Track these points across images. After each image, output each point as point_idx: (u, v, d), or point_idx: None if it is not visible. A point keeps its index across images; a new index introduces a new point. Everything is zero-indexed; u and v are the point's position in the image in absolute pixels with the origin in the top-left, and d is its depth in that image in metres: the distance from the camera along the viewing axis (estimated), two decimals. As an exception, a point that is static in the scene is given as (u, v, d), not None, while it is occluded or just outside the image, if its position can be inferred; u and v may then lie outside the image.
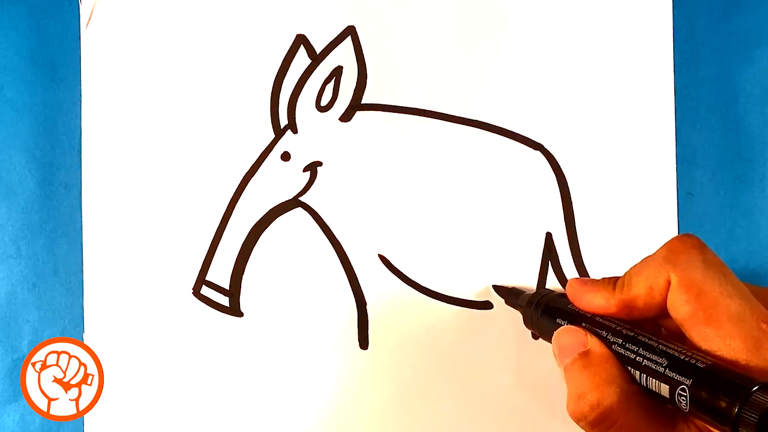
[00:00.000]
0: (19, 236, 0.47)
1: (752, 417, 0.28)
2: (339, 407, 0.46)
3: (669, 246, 0.34)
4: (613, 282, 0.36)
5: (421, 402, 0.46)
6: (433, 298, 0.47)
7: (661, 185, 0.47)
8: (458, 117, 0.47)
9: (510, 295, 0.45)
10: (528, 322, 0.42)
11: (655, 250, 0.35)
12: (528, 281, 0.47)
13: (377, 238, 0.47)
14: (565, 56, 0.47)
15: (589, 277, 0.46)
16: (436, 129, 0.47)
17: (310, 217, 0.47)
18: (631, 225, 0.46)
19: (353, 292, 0.47)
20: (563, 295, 0.40)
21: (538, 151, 0.47)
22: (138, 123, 0.47)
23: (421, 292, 0.47)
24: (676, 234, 0.46)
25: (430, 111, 0.47)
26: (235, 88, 0.47)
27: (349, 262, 0.47)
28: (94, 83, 0.47)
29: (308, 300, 0.47)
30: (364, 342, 0.47)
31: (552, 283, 0.47)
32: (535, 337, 0.44)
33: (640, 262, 0.35)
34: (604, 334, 0.35)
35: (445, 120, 0.47)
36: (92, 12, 0.47)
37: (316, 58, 0.47)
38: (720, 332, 0.31)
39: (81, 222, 0.47)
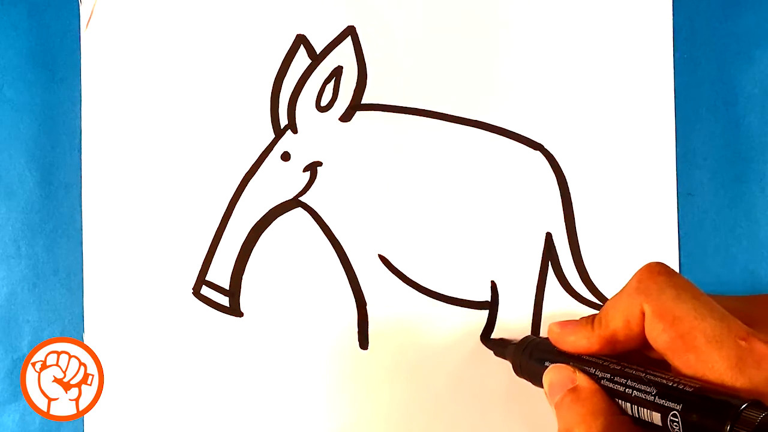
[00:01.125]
0: (19, 236, 0.47)
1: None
2: (339, 407, 0.46)
3: (638, 277, 0.34)
4: (591, 320, 0.36)
5: (421, 402, 0.46)
6: (433, 298, 0.47)
7: (661, 185, 0.47)
8: (458, 117, 0.47)
9: (498, 345, 0.45)
10: (518, 371, 0.42)
11: (627, 283, 0.35)
12: (528, 281, 0.47)
13: (377, 238, 0.47)
14: (565, 56, 0.47)
15: (589, 276, 0.46)
16: (436, 129, 0.47)
17: (310, 217, 0.47)
18: (631, 225, 0.46)
19: (353, 292, 0.47)
20: (545, 341, 0.40)
21: (538, 152, 0.47)
22: (138, 123, 0.47)
23: (421, 292, 0.47)
24: (676, 236, 0.46)
25: (430, 111, 0.47)
26: (235, 88, 0.47)
27: (349, 262, 0.47)
28: (94, 83, 0.47)
29: (308, 300, 0.47)
30: (364, 342, 0.47)
31: (552, 282, 0.47)
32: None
33: (614, 296, 0.36)
34: (592, 370, 0.35)
35: (445, 120, 0.47)
36: (92, 12, 0.47)
37: (316, 58, 0.47)
38: (701, 356, 0.31)
39: (81, 222, 0.47)
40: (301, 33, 0.47)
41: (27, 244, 0.47)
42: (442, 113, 0.47)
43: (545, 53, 0.47)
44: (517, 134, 0.47)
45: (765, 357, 0.30)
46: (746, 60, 0.47)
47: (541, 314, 0.46)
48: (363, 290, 0.47)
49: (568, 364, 0.37)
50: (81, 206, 0.47)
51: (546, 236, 0.47)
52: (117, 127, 0.47)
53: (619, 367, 0.34)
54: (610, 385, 0.34)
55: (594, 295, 0.46)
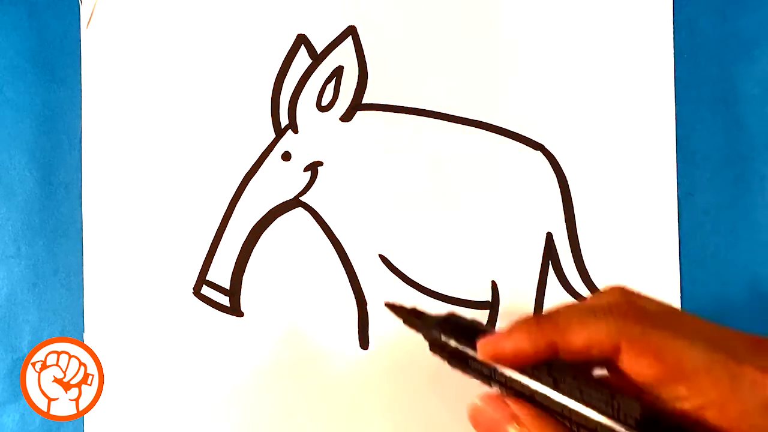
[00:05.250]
0: (19, 236, 0.47)
1: None
2: (339, 407, 0.46)
3: (616, 311, 0.32)
4: (535, 321, 0.33)
5: (421, 402, 0.46)
6: (434, 298, 0.47)
7: (661, 185, 0.47)
8: (458, 117, 0.47)
9: (411, 315, 0.38)
10: (434, 351, 0.36)
11: (593, 302, 0.33)
12: (528, 281, 0.47)
13: (377, 238, 0.47)
14: (566, 56, 0.47)
15: (589, 276, 0.46)
16: (436, 129, 0.47)
17: (311, 217, 0.47)
18: (631, 225, 0.46)
19: (353, 292, 0.47)
20: (472, 326, 0.35)
21: (538, 151, 0.47)
22: (138, 123, 0.47)
23: (421, 292, 0.47)
24: (676, 236, 0.46)
25: (430, 111, 0.47)
26: (235, 87, 0.47)
27: (350, 262, 0.47)
28: (94, 83, 0.47)
29: (308, 300, 0.47)
30: (364, 342, 0.47)
31: (553, 283, 0.47)
32: None
33: (582, 311, 0.32)
34: (524, 381, 0.32)
35: (445, 120, 0.47)
36: (92, 12, 0.47)
37: (317, 58, 0.47)
38: (690, 386, 0.30)
39: (81, 222, 0.47)
40: (302, 33, 0.47)
41: (27, 244, 0.47)
42: (442, 113, 0.47)
43: (545, 53, 0.47)
44: (518, 134, 0.47)
45: (758, 381, 0.29)
46: (746, 60, 0.47)
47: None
48: (363, 290, 0.47)
49: (493, 377, 0.33)
50: (81, 206, 0.47)
51: (546, 236, 0.47)
52: (117, 127, 0.47)
53: (551, 379, 0.32)
54: (545, 403, 0.31)
55: (594, 295, 0.46)
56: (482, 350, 0.33)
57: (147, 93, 0.47)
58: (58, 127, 0.47)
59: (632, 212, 0.47)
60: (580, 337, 0.31)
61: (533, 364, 0.32)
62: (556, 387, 0.32)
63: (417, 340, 0.46)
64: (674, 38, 0.47)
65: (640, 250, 0.46)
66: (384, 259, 0.47)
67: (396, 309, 0.39)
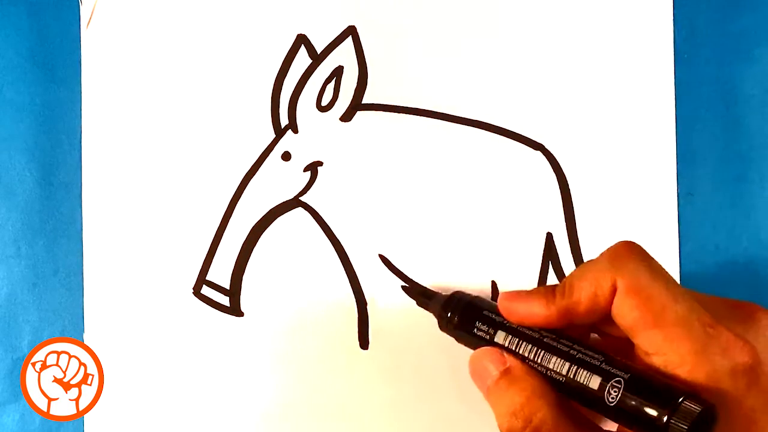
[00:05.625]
0: (19, 236, 0.47)
1: (682, 425, 0.29)
2: (339, 407, 0.46)
3: (613, 252, 0.34)
4: (550, 290, 0.35)
5: (421, 402, 0.46)
6: (434, 298, 0.47)
7: (661, 185, 0.47)
8: (458, 117, 0.47)
9: (421, 296, 0.44)
10: (443, 327, 0.42)
11: (596, 256, 0.35)
12: (528, 281, 0.47)
13: (377, 238, 0.47)
14: (566, 56, 0.47)
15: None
16: (436, 129, 0.47)
17: (311, 217, 0.47)
18: (631, 225, 0.46)
19: (353, 292, 0.47)
20: (475, 301, 0.40)
21: (538, 151, 0.47)
22: (138, 123, 0.47)
23: (421, 292, 0.47)
24: (676, 236, 0.47)
25: (430, 111, 0.47)
26: (235, 87, 0.47)
27: (350, 262, 0.47)
28: (94, 83, 0.47)
29: (308, 300, 0.47)
30: (364, 342, 0.47)
31: (552, 282, 0.47)
32: None
33: (582, 267, 0.35)
34: (534, 334, 0.35)
35: (445, 120, 0.47)
36: (92, 12, 0.47)
37: (317, 58, 0.47)
38: (668, 336, 0.31)
39: (81, 222, 0.47)
40: (302, 33, 0.47)
41: (27, 244, 0.47)
42: (442, 113, 0.47)
43: (545, 53, 0.47)
44: (518, 134, 0.47)
45: (730, 346, 0.30)
46: (746, 60, 0.47)
47: (541, 314, 0.46)
48: (363, 290, 0.47)
49: (495, 335, 0.37)
50: (81, 206, 0.47)
51: (546, 236, 0.47)
52: (117, 127, 0.47)
53: (555, 335, 0.35)
54: (555, 344, 0.34)
55: (594, 295, 0.46)
56: (502, 302, 0.37)
57: (147, 93, 0.47)
58: (58, 127, 0.47)
59: (632, 212, 0.47)
60: (586, 290, 0.34)
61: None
62: (552, 345, 0.34)
63: (417, 340, 0.46)
64: (674, 38, 0.47)
65: (640, 250, 0.46)
66: (384, 259, 0.47)
67: (409, 290, 0.46)
